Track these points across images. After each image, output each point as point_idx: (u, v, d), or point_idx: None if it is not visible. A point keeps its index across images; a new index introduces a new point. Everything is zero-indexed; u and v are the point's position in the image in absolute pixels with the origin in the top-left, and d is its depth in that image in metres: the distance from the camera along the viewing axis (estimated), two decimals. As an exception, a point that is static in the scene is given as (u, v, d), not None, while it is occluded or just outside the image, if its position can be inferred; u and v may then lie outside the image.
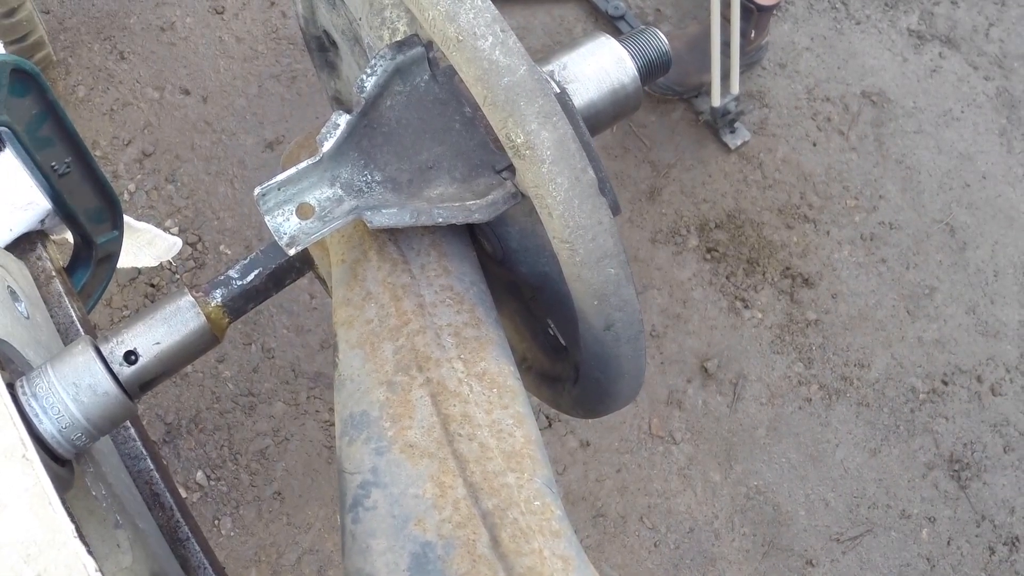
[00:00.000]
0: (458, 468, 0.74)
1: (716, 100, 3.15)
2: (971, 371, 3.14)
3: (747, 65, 3.33)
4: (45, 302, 1.18)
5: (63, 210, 1.28)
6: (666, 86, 3.27)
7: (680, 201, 3.19)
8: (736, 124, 3.28)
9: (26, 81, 1.19)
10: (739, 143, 3.29)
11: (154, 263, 1.71)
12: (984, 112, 3.57)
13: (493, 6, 0.75)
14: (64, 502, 0.67)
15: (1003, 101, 3.60)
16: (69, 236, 1.39)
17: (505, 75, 0.73)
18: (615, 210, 0.82)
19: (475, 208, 0.84)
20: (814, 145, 3.37)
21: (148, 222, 1.70)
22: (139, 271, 2.69)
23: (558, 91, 0.84)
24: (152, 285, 2.69)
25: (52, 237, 1.35)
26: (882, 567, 2.84)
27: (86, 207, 1.33)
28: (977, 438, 3.05)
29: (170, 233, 1.89)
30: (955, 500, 2.95)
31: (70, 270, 1.39)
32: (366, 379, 0.80)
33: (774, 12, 3.25)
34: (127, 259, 1.58)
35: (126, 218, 1.45)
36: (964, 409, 3.08)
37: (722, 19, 3.00)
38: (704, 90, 3.26)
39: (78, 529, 0.61)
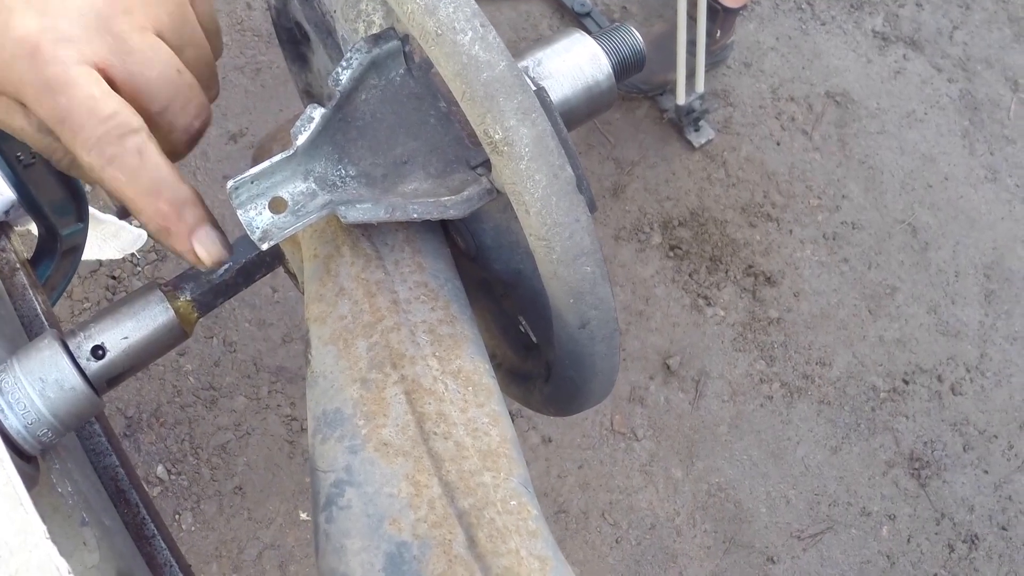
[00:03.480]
0: (433, 467, 0.73)
1: (681, 98, 3.16)
2: (932, 370, 3.16)
3: (712, 64, 3.35)
4: (9, 295, 1.16)
5: (28, 201, 1.26)
6: (631, 84, 3.28)
7: (644, 198, 3.19)
8: (700, 122, 3.29)
9: (-10, 70, 1.17)
10: (703, 141, 3.30)
11: (118, 256, 1.69)
12: (947, 114, 3.60)
13: (473, 0, 0.74)
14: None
15: (966, 103, 3.63)
16: (33, 228, 1.37)
17: (484, 70, 0.72)
18: (592, 208, 0.81)
19: (450, 204, 0.83)
20: (778, 144, 3.39)
21: (110, 214, 1.68)
22: (100, 263, 2.66)
23: (535, 88, 0.84)
24: (113, 277, 2.66)
25: (16, 228, 1.33)
26: (842, 564, 2.85)
27: (51, 198, 1.31)
28: (937, 437, 3.07)
29: (132, 225, 1.87)
30: (915, 498, 2.98)
31: (34, 262, 1.37)
32: (339, 376, 0.79)
33: (740, 12, 3.26)
34: (91, 251, 1.56)
35: (91, 210, 1.43)
36: (924, 408, 3.10)
37: (688, 18, 3.01)
38: (669, 88, 3.26)
39: (49, 530, 0.60)
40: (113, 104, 0.72)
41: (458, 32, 0.72)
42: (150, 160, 0.74)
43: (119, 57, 0.73)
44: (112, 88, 0.73)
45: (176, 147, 0.81)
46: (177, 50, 0.79)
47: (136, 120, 0.73)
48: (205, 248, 0.79)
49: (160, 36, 0.77)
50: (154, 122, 0.77)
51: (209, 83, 0.85)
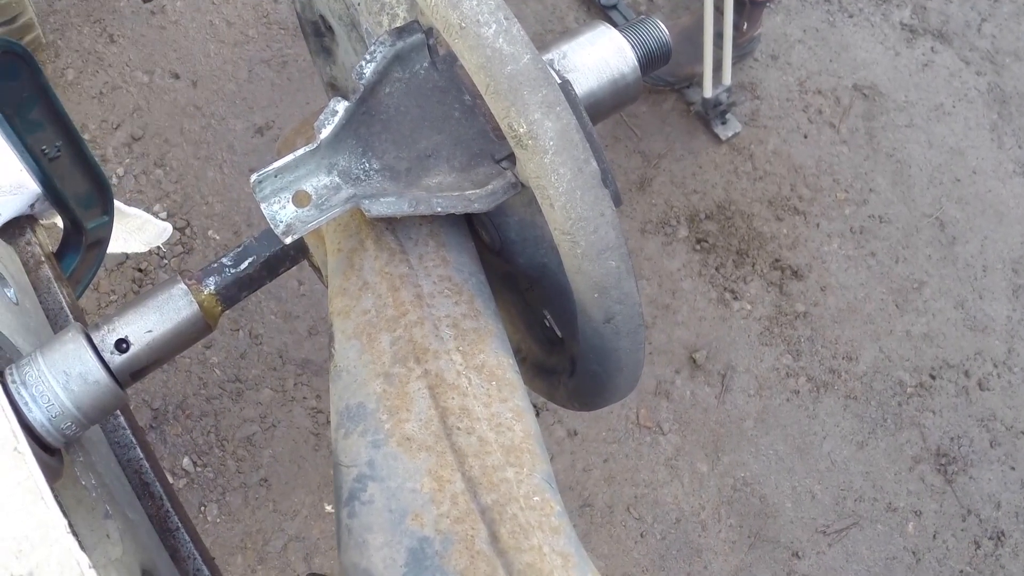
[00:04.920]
0: (456, 462, 0.73)
1: (708, 91, 3.14)
2: (959, 365, 3.14)
3: (739, 56, 3.33)
4: (34, 288, 1.16)
5: (53, 194, 1.27)
6: (658, 76, 3.26)
7: (670, 191, 3.18)
8: (727, 115, 3.28)
9: (17, 63, 1.17)
10: (730, 134, 3.28)
11: (144, 249, 1.70)
12: (975, 107, 3.57)
13: (496, -7, 0.73)
14: (55, 494, 0.66)
15: (994, 96, 3.60)
16: (59, 221, 1.37)
17: (508, 63, 0.72)
18: (617, 201, 0.81)
19: (474, 198, 0.83)
20: (805, 137, 3.37)
21: (136, 207, 1.69)
22: (127, 256, 2.67)
23: (560, 81, 0.83)
24: (140, 270, 2.67)
25: (41, 222, 1.33)
26: (868, 560, 2.84)
27: (76, 191, 1.31)
28: (964, 432, 3.05)
29: (158, 218, 1.87)
30: (941, 494, 2.96)
31: (59, 255, 1.38)
32: (363, 371, 0.79)
33: (767, 5, 3.24)
34: (117, 244, 1.57)
35: (116, 203, 1.43)
36: (951, 403, 3.08)
37: (715, 10, 2.99)
38: (696, 81, 3.25)
39: (71, 524, 0.59)
40: None
41: (482, 25, 0.71)
42: None
43: None
44: None
45: None
46: None
47: None
48: None
49: None
50: None
51: None
